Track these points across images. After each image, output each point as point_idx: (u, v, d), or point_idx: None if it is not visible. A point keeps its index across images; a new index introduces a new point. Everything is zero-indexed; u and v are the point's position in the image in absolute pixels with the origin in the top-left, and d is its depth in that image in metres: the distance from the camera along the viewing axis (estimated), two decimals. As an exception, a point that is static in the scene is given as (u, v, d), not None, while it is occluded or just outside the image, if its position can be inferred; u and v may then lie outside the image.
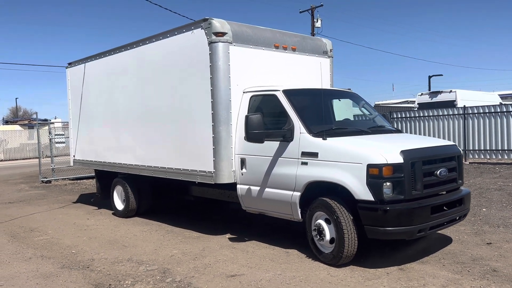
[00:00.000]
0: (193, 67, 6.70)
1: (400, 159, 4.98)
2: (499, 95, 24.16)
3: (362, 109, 7.03)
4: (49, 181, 15.28)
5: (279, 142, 5.86)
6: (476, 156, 16.02)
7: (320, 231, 5.40)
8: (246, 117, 5.79)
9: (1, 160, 28.84)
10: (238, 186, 6.44)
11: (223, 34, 6.30)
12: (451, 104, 18.44)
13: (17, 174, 18.86)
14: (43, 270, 5.64)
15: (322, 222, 5.40)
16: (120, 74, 8.52)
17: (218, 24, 6.32)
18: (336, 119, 6.96)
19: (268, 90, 6.27)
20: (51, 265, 5.83)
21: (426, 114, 17.25)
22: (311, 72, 7.35)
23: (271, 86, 6.39)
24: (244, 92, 6.46)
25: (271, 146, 5.93)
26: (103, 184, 9.69)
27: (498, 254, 5.55)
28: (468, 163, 15.46)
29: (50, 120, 32.17)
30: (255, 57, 6.69)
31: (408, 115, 17.85)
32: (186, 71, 6.89)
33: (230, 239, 6.77)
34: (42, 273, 5.54)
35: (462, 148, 15.69)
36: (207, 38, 6.35)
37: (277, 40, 7.01)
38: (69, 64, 10.26)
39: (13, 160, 29.21)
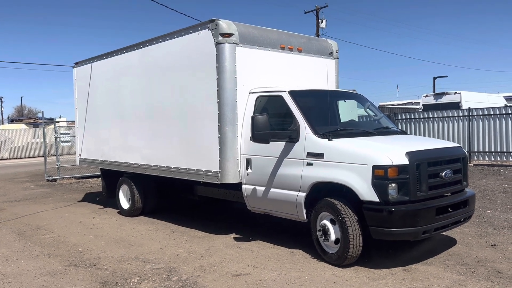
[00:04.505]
0: (200, 67, 6.75)
1: (405, 161, 5.00)
2: (504, 97, 24.10)
3: (367, 110, 7.05)
4: (55, 180, 15.37)
5: (284, 142, 5.90)
6: (481, 158, 15.98)
7: (325, 232, 5.44)
8: (252, 117, 5.83)
9: (7, 159, 28.97)
10: (243, 186, 6.48)
11: (229, 35, 6.35)
12: (455, 105, 18.42)
13: (23, 172, 18.97)
14: (50, 268, 5.70)
15: (327, 222, 5.44)
16: (126, 74, 8.58)
17: (225, 25, 6.36)
18: (341, 120, 6.99)
19: (274, 91, 6.31)
20: (58, 263, 5.89)
21: (430, 116, 17.22)
22: (316, 73, 7.38)
23: (277, 87, 6.43)
24: (250, 93, 6.50)
25: (277, 146, 5.96)
26: (108, 183, 9.74)
27: (503, 256, 5.56)
28: (472, 165, 15.43)
29: (55, 119, 32.31)
30: (261, 58, 6.73)
31: (412, 117, 17.83)
32: (192, 71, 6.94)
33: (235, 238, 6.81)
34: (50, 270, 5.60)
35: (466, 150, 15.66)
36: (214, 39, 6.40)
37: (283, 41, 7.04)
38: (76, 63, 10.33)
39: (18, 158, 29.34)
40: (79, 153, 10.38)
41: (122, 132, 8.79)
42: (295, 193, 5.77)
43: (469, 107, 16.37)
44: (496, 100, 21.53)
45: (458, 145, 6.21)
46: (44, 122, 18.35)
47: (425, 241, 6.11)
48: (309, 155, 5.62)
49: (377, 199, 4.96)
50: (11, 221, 8.71)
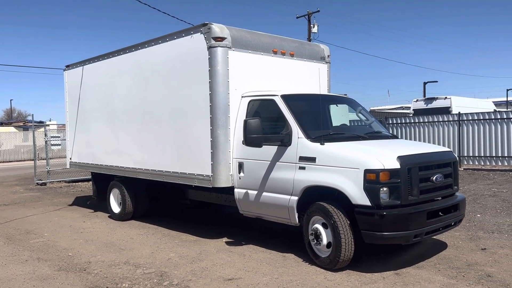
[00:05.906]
0: (192, 71, 6.74)
1: (397, 165, 5.03)
2: (493, 102, 24.43)
3: (359, 114, 7.09)
4: (44, 184, 15.21)
5: (277, 146, 5.90)
6: (471, 163, 16.14)
7: (317, 236, 5.44)
8: (245, 121, 5.82)
9: (-4, 162, 28.67)
10: (235, 190, 6.46)
11: (222, 39, 6.35)
12: (446, 110, 18.60)
13: (12, 176, 18.76)
14: (39, 273, 5.63)
15: (319, 226, 5.44)
16: (118, 77, 8.54)
17: (218, 29, 6.37)
18: (333, 125, 7.01)
19: (267, 95, 6.32)
20: (48, 268, 5.82)
21: (421, 120, 17.36)
22: (309, 77, 7.41)
23: (270, 91, 6.44)
24: (242, 97, 6.50)
25: (269, 150, 5.97)
26: (99, 187, 9.67)
27: (493, 260, 5.61)
28: (462, 169, 15.57)
29: (45, 122, 32.04)
30: (254, 62, 6.74)
31: (403, 121, 17.96)
32: (185, 75, 6.93)
33: (227, 243, 6.79)
34: (39, 275, 5.53)
35: (456, 155, 15.81)
36: (207, 43, 6.40)
37: (275, 46, 7.06)
38: (67, 66, 10.26)
39: (7, 162, 29.02)
40: (69, 156, 10.29)
41: (113, 136, 8.73)
42: (287, 197, 5.77)
43: (459, 112, 16.54)
44: (486, 105, 21.78)
45: (448, 149, 6.26)
46: (34, 125, 18.17)
47: (416, 245, 6.14)
48: (301, 159, 5.63)
49: (368, 203, 4.98)
50: (-1, 225, 8.61)
